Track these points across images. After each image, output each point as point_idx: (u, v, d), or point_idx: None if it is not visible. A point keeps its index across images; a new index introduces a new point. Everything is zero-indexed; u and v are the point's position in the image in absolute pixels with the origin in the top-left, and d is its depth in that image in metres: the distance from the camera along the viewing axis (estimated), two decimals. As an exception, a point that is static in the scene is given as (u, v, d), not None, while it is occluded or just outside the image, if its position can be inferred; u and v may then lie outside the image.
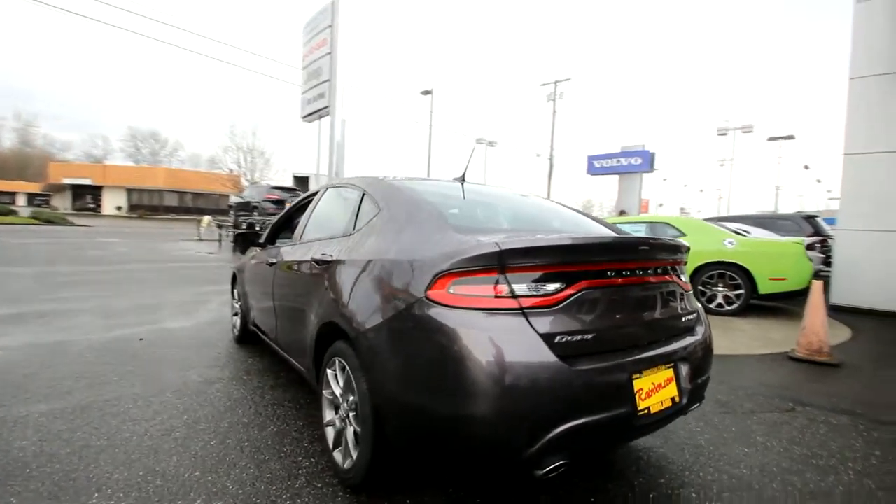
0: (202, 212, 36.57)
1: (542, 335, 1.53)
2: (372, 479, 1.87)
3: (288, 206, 13.34)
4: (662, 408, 1.78)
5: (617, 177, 27.23)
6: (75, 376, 3.22)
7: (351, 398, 1.99)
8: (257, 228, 11.54)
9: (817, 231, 10.68)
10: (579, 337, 1.60)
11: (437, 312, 1.59)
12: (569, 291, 1.62)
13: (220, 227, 16.22)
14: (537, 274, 1.60)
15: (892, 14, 6.07)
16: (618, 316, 1.75)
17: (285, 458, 2.24)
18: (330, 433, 2.17)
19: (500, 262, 1.57)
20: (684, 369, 1.91)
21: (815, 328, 4.01)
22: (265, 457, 2.24)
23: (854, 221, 6.59)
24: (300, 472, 2.12)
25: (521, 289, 1.56)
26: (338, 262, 2.21)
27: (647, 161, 26.12)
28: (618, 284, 1.76)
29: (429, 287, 1.63)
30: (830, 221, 9.09)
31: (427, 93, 25.18)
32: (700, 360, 2.01)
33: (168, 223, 31.72)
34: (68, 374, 3.26)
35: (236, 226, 14.31)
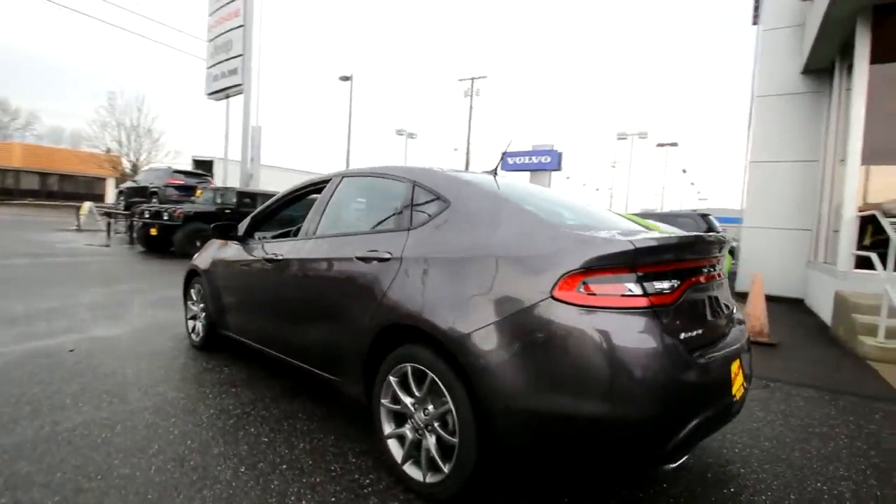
0: (71, 197, 31.45)
1: (671, 332, 1.53)
2: (469, 491, 1.74)
3: (199, 193, 11.92)
4: (741, 394, 1.90)
5: (528, 174, 28.77)
6: (11, 402, 2.56)
7: (431, 407, 1.83)
8: (165, 218, 10.20)
9: (710, 228, 12.25)
10: (694, 332, 1.63)
11: (569, 312, 1.51)
12: (683, 288, 1.64)
13: (109, 215, 13.95)
14: (659, 271, 1.59)
15: (789, 45, 7.13)
16: (708, 310, 1.81)
17: (339, 477, 2.00)
18: (394, 446, 1.98)
19: (633, 260, 1.54)
20: (744, 357, 2.05)
21: (758, 314, 4.60)
22: (315, 479, 1.98)
23: (757, 220, 7.67)
24: (366, 491, 1.90)
25: (649, 287, 1.55)
26: (402, 259, 2.01)
27: (556, 160, 27.96)
28: (707, 280, 1.83)
29: (555, 286, 1.55)
30: (736, 221, 10.39)
31: (346, 78, 24.08)
32: (750, 347, 2.18)
33: (29, 210, 26.69)
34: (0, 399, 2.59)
35: (132, 214, 12.51)
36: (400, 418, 1.99)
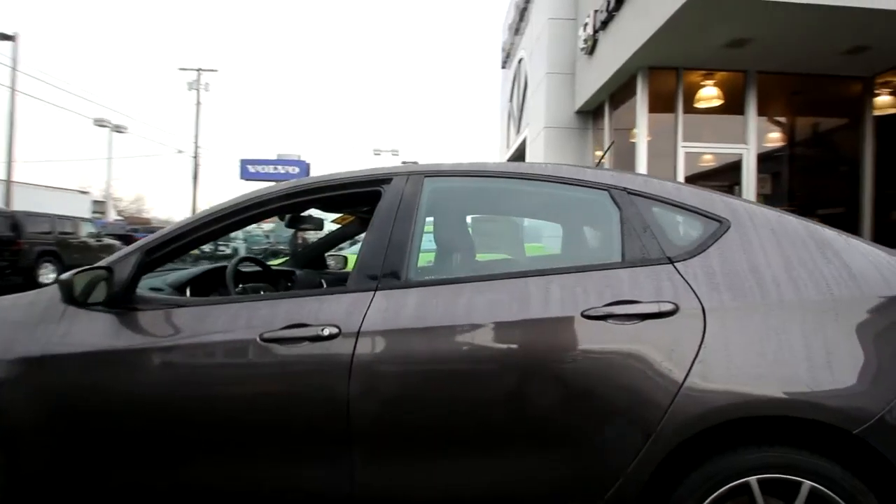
0: None
1: None
2: None
3: None
4: None
5: (273, 184, 26.84)
6: None
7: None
8: None
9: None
10: None
11: None
12: None
13: None
14: None
15: (567, 88, 8.83)
16: None
17: None
18: None
19: None
20: None
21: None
22: None
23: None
24: None
25: None
26: (705, 311, 1.24)
27: (305, 171, 26.90)
28: None
29: None
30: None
31: (7, 38, 16.08)
32: None
33: None
34: None
35: None
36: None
